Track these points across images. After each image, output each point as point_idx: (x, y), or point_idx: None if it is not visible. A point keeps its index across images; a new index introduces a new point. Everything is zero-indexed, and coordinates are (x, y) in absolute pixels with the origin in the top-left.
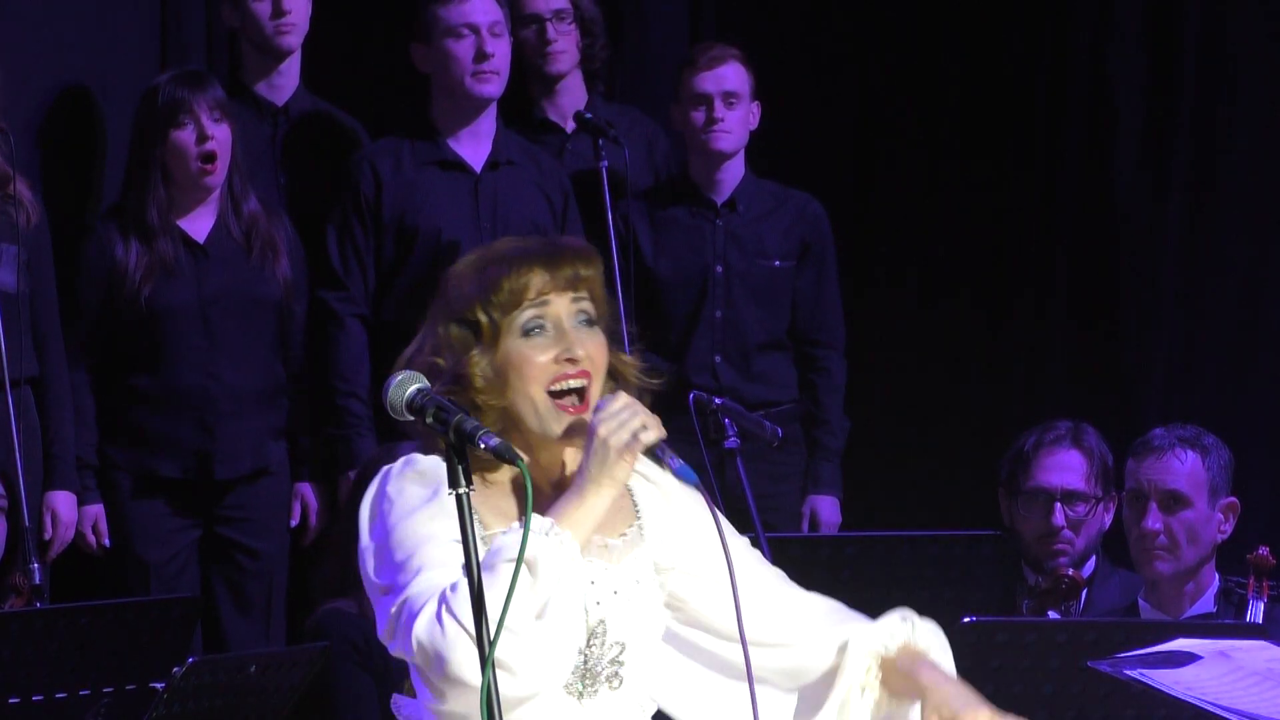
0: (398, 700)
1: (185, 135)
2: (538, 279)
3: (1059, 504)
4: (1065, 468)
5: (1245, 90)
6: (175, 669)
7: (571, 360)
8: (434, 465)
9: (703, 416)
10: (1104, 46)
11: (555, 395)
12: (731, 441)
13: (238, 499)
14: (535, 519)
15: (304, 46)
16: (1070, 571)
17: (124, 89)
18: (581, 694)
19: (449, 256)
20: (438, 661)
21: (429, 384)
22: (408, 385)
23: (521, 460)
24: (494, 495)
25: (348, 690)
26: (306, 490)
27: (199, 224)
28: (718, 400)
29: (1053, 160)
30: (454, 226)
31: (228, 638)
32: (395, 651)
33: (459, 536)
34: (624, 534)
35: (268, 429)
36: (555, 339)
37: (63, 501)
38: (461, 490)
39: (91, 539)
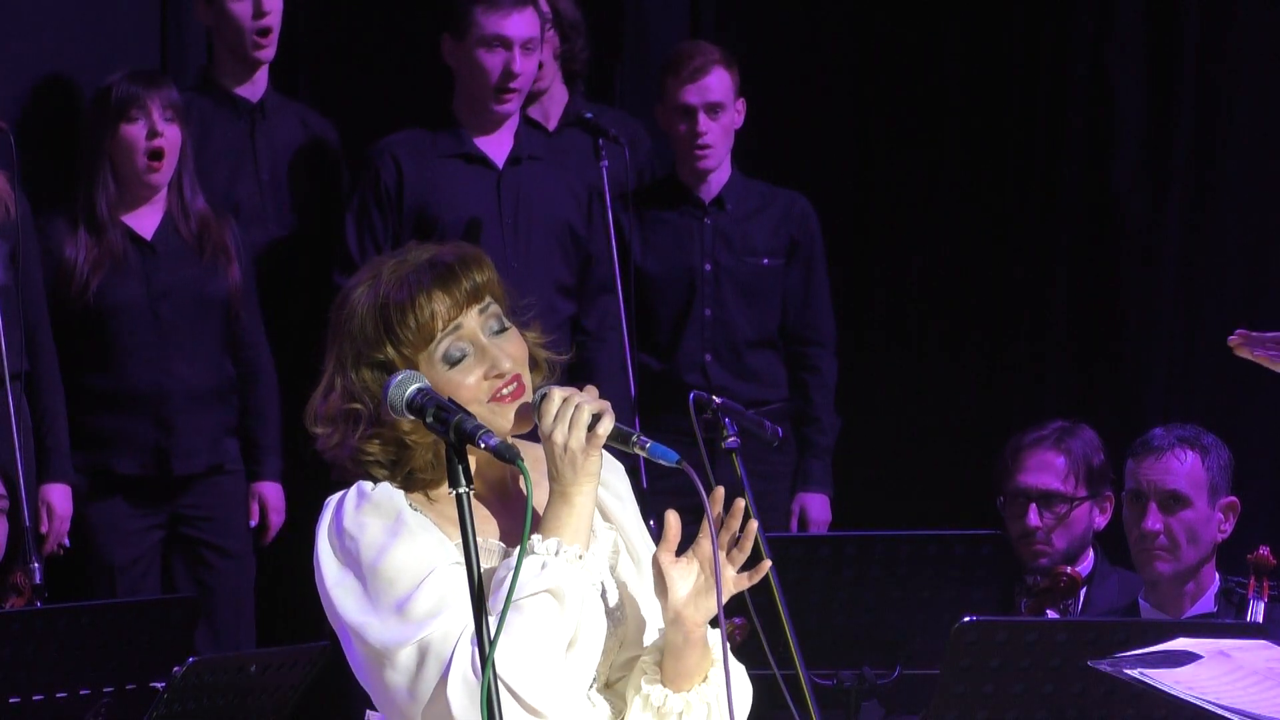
0: (371, 717)
1: (135, 130)
2: (441, 305)
3: (1034, 505)
4: (1042, 468)
5: (1245, 91)
6: (175, 669)
7: (500, 375)
8: (386, 494)
9: (702, 416)
10: (1104, 46)
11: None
12: (731, 441)
13: (197, 497)
14: (536, 541)
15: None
16: (1069, 570)
17: None
18: None
19: None
20: (476, 713)
21: (429, 383)
22: (408, 385)
23: (521, 460)
24: (447, 507)
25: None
26: (265, 489)
27: (145, 221)
28: (718, 400)
29: (1053, 161)
30: (476, 222)
31: (199, 637)
32: (411, 693)
33: (450, 559)
34: None
35: (221, 426)
36: (478, 358)
37: (58, 494)
38: (462, 490)
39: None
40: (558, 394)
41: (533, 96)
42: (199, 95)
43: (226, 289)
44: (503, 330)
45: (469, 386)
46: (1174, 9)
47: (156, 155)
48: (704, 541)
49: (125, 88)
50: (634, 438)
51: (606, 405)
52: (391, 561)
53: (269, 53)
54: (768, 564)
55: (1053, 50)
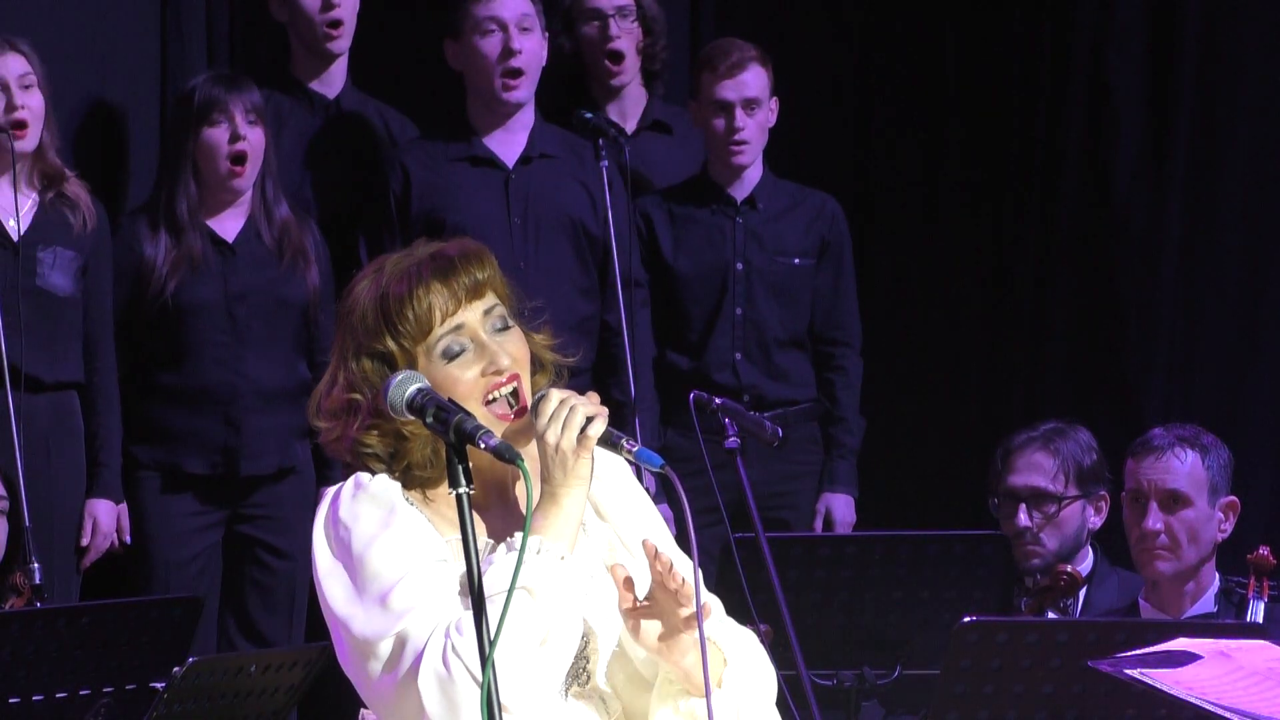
0: (365, 717)
1: (218, 134)
2: (439, 298)
3: (1023, 505)
4: (1030, 469)
5: (1245, 90)
6: (175, 669)
7: (498, 372)
8: (383, 486)
9: (703, 416)
10: (1104, 46)
11: (488, 403)
12: (732, 441)
13: (263, 497)
14: (519, 539)
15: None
16: (1069, 568)
17: (123, 89)
18: (565, 693)
19: None
20: (445, 707)
21: (429, 383)
22: (407, 385)
23: (521, 460)
24: (443, 506)
25: None
26: None
27: (228, 224)
28: (718, 400)
29: (1053, 160)
30: (483, 223)
31: (250, 637)
32: (389, 684)
33: (437, 555)
34: None
35: (293, 428)
36: (478, 354)
37: (104, 510)
38: (462, 490)
39: (114, 538)
40: (555, 395)
41: (612, 92)
42: (276, 92)
43: (305, 292)
44: (505, 329)
45: (466, 382)
46: (1174, 9)
47: (239, 159)
48: (657, 593)
49: (208, 90)
50: (623, 441)
51: (603, 410)
52: (379, 552)
53: (341, 44)
54: (710, 608)
55: (1053, 50)
